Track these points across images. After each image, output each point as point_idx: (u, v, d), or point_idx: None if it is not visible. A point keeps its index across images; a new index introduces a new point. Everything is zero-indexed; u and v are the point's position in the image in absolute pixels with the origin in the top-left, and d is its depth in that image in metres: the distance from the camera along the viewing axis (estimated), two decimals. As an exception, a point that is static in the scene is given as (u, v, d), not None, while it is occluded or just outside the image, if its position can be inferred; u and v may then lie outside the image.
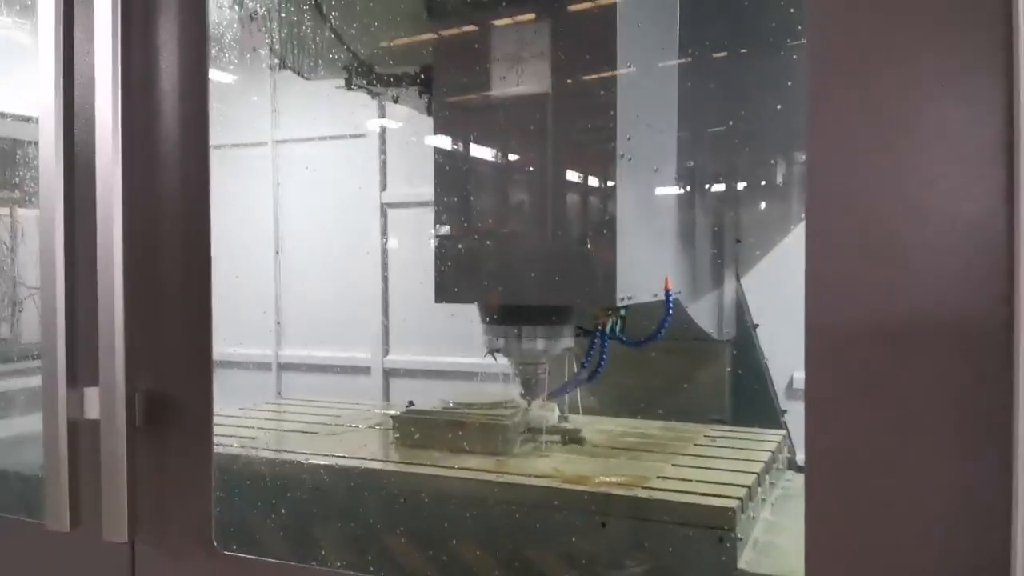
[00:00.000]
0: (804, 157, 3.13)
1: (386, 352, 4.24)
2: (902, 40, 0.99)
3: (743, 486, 2.21)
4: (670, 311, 2.61)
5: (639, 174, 2.54)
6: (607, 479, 2.25)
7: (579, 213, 2.55)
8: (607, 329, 2.57)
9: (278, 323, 4.45)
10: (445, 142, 2.63)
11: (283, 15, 2.79)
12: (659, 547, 2.05)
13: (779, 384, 3.42)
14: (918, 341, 0.99)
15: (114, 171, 1.43)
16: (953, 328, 0.97)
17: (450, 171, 2.64)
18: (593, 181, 2.53)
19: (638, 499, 2.11)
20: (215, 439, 1.45)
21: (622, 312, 2.60)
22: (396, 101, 3.15)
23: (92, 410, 1.45)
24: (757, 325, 3.42)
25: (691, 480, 2.26)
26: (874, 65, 1.00)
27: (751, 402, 3.31)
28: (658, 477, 2.28)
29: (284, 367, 4.48)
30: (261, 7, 2.73)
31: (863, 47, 1.01)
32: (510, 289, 2.57)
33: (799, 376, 3.40)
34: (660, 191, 2.80)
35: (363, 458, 2.51)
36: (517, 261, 2.56)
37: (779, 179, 3.50)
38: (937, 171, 0.98)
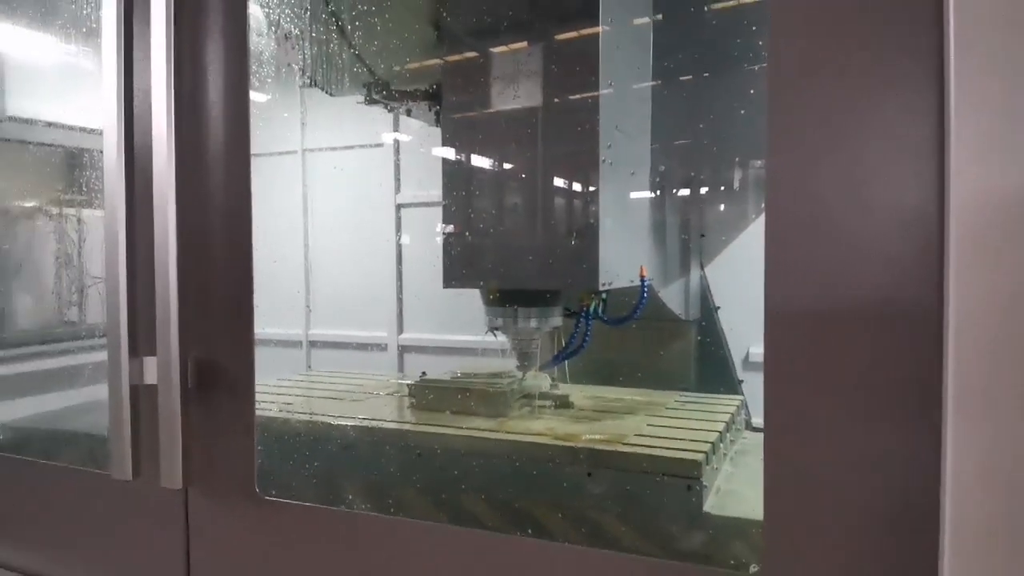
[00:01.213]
0: (758, 164, 3.13)
1: (400, 331, 4.22)
2: (847, 52, 0.98)
3: (708, 442, 2.21)
4: (644, 294, 2.61)
5: (618, 177, 2.54)
6: (592, 436, 2.25)
7: (567, 211, 2.54)
8: (591, 310, 2.57)
9: (308, 307, 4.43)
10: (452, 150, 2.62)
11: (313, 34, 2.77)
12: (637, 494, 2.05)
13: (737, 357, 3.43)
14: (860, 319, 0.99)
15: (168, 171, 1.41)
16: (890, 308, 0.97)
17: (456, 175, 2.63)
18: (579, 183, 2.53)
19: (619, 453, 2.11)
20: (258, 404, 1.45)
21: (604, 296, 2.60)
22: (409, 114, 3.13)
23: (150, 376, 1.44)
24: (718, 307, 3.42)
25: (664, 437, 2.26)
26: (824, 75, 1.00)
27: (713, 373, 3.31)
28: (636, 435, 2.28)
29: (313, 344, 4.46)
30: (294, 27, 2.71)
31: (814, 60, 1.00)
32: (508, 276, 2.57)
33: (755, 351, 3.43)
34: (636, 193, 2.80)
35: (384, 419, 2.51)
36: (514, 252, 2.56)
37: (736, 184, 3.49)
38: (878, 167, 0.97)
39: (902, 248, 0.96)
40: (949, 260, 0.91)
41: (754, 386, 3.45)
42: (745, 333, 3.50)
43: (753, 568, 1.05)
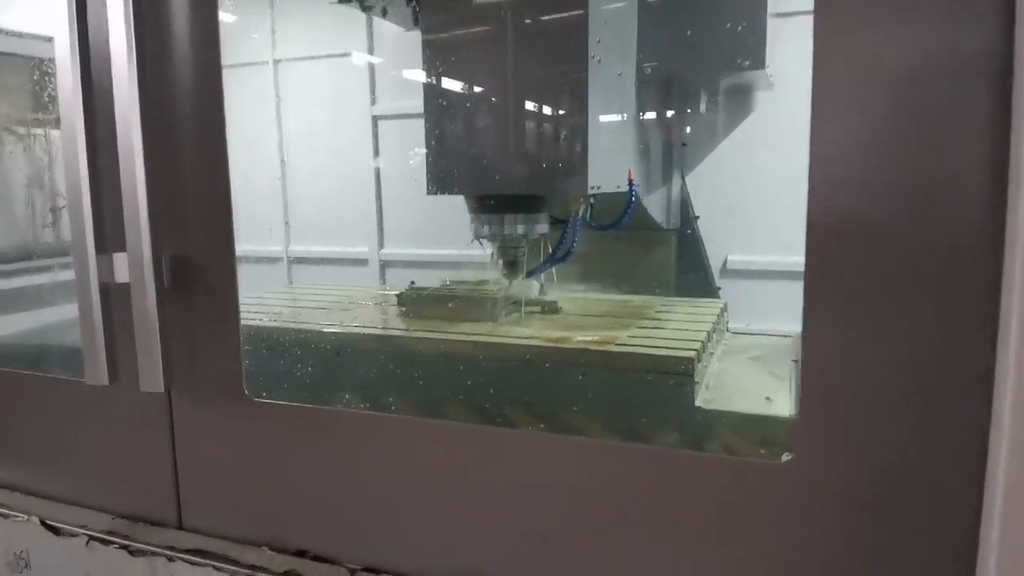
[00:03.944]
0: (739, 73, 2.89)
1: (381, 245, 4.03)
2: None
3: (698, 340, 2.11)
4: (633, 199, 2.45)
5: (607, 76, 2.33)
6: (585, 338, 2.13)
7: (555, 113, 2.33)
8: (579, 215, 2.41)
9: (286, 222, 4.19)
10: (432, 50, 2.37)
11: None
12: (632, 391, 1.96)
13: (715, 265, 3.33)
14: (901, 224, 0.86)
15: (128, 58, 1.19)
16: (935, 213, 0.84)
17: (439, 76, 2.39)
18: (567, 83, 2.30)
19: (613, 353, 2.00)
20: (243, 316, 1.28)
21: (591, 200, 2.44)
22: (384, 15, 2.84)
23: (121, 274, 1.25)
24: (698, 217, 3.29)
25: (654, 338, 2.15)
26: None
27: (692, 280, 3.22)
28: (628, 336, 2.17)
29: (293, 261, 4.25)
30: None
31: None
32: (494, 181, 2.38)
33: (733, 258, 3.32)
34: (622, 94, 2.59)
35: (375, 326, 2.36)
36: (501, 156, 2.36)
37: (717, 95, 3.30)
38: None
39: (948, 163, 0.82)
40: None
41: (729, 293, 3.38)
42: (723, 242, 3.39)
43: (785, 456, 0.94)
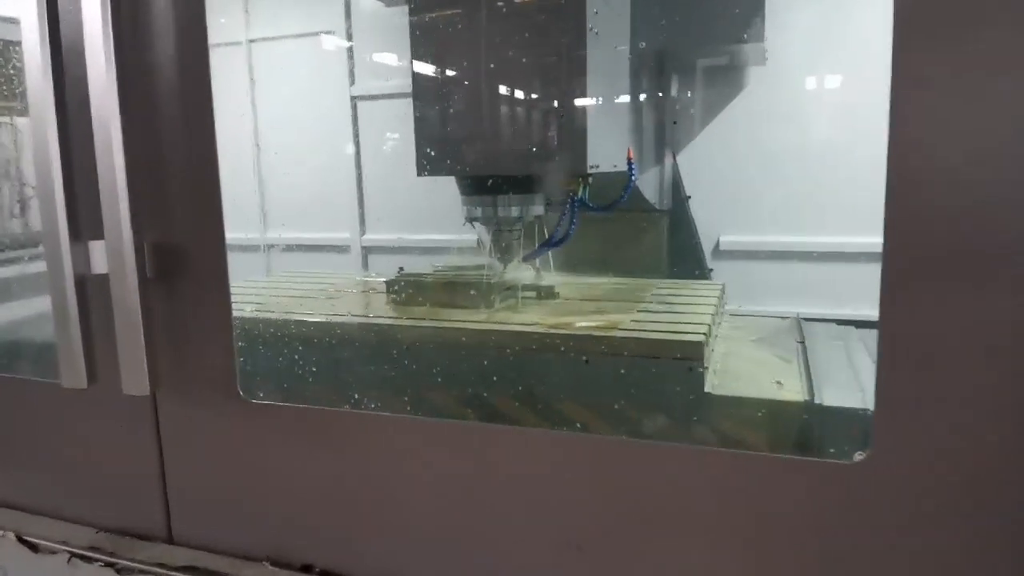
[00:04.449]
0: (733, 49, 2.79)
1: (363, 231, 3.88)
2: None
3: (703, 323, 2.03)
4: (633, 177, 2.35)
5: (604, 50, 2.22)
6: (587, 324, 2.04)
7: (552, 89, 2.21)
8: (578, 195, 2.30)
9: (263, 210, 4.02)
10: (424, 22, 2.23)
11: None
12: (638, 378, 1.87)
13: (707, 247, 3.26)
14: (987, 210, 0.77)
15: (104, 27, 1.04)
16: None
17: (428, 51, 2.26)
18: (565, 58, 2.19)
19: (619, 338, 1.91)
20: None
21: (590, 180, 2.33)
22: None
23: (99, 264, 1.12)
24: (689, 197, 3.21)
25: (658, 322, 2.07)
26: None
27: (684, 262, 3.14)
28: (631, 321, 2.08)
29: (271, 248, 4.08)
30: None
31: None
32: (488, 161, 2.26)
33: (726, 239, 3.25)
34: (617, 74, 2.48)
35: (366, 315, 2.23)
36: (494, 135, 2.25)
37: (709, 70, 3.21)
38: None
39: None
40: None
41: (721, 274, 3.32)
42: (714, 222, 3.32)
43: (858, 456, 0.85)
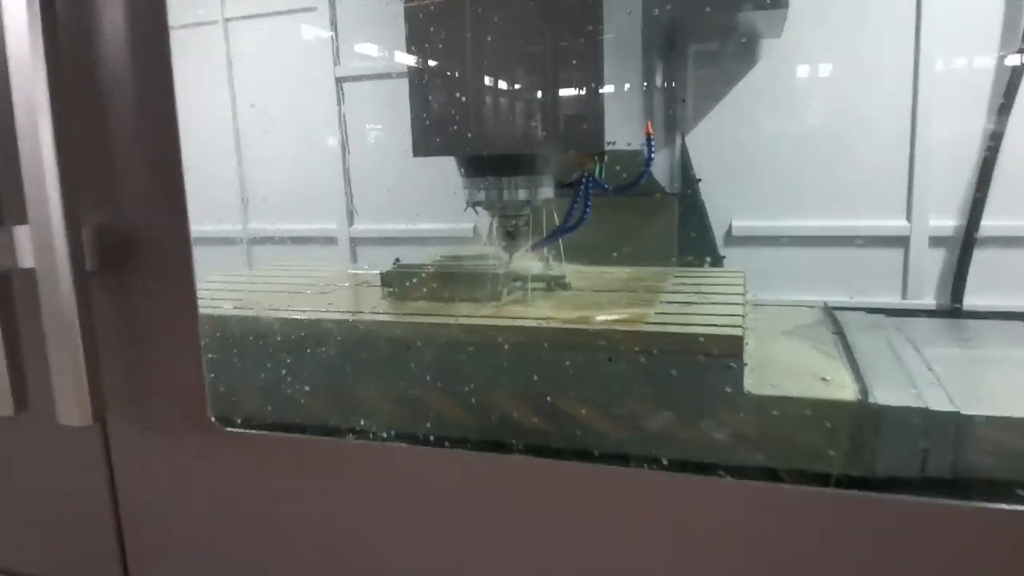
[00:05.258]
0: (745, 23, 2.51)
1: (352, 221, 3.61)
2: None
3: (737, 315, 1.81)
4: (652, 154, 2.11)
5: (619, 14, 1.98)
6: (608, 318, 1.80)
7: (563, 59, 1.96)
8: (592, 175, 2.05)
9: (244, 199, 3.73)
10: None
11: None
12: (670, 378, 1.64)
13: (719, 232, 3.04)
14: None
15: None
16: None
17: (425, 15, 1.99)
18: (577, 23, 1.93)
19: (648, 333, 1.68)
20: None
21: (606, 158, 2.09)
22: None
23: (25, 256, 0.86)
24: (700, 179, 2.98)
25: (688, 314, 1.84)
26: None
27: (696, 248, 2.92)
28: (656, 314, 1.84)
29: (252, 241, 3.79)
30: None
31: None
32: (492, 139, 2.00)
33: (739, 224, 3.03)
34: (631, 43, 2.23)
35: (362, 311, 1.97)
36: (500, 110, 1.99)
37: (719, 46, 2.97)
38: None
39: None
40: None
41: (733, 261, 3.10)
42: (725, 206, 3.10)
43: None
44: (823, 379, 1.73)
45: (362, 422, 1.71)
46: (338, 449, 0.84)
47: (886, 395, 1.63)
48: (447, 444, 0.87)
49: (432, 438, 1.57)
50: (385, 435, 1.44)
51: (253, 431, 0.83)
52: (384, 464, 0.82)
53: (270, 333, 1.83)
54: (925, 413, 1.58)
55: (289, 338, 1.78)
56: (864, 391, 1.65)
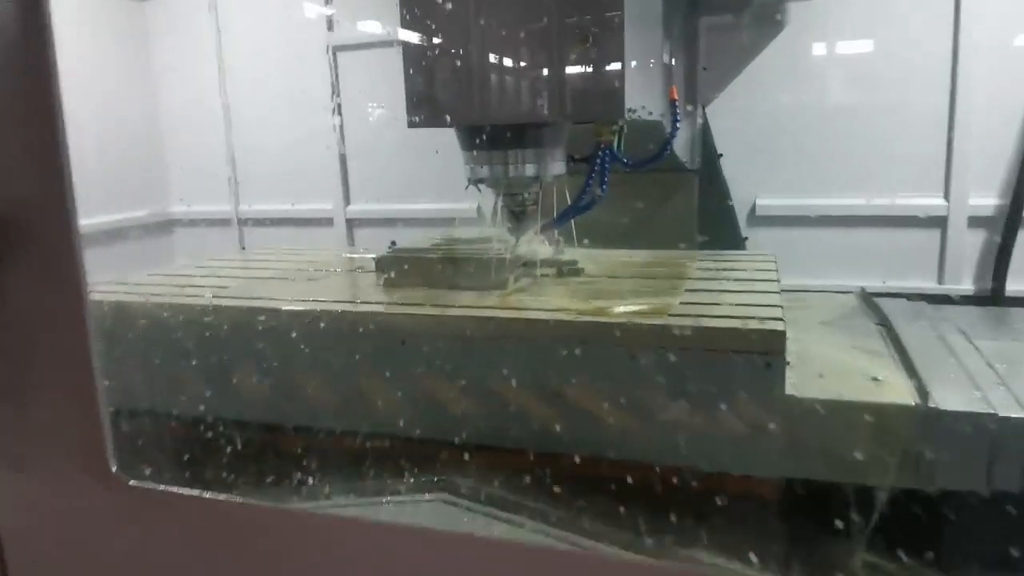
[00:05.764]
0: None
1: (348, 202, 3.37)
2: None
3: (776, 305, 1.58)
4: (677, 121, 1.87)
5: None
6: (628, 309, 1.58)
7: (579, 17, 1.71)
8: (611, 148, 1.81)
9: (235, 178, 3.49)
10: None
11: None
12: (699, 379, 1.42)
13: (741, 211, 2.80)
14: None
15: None
16: None
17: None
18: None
19: (673, 328, 1.45)
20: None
21: (625, 130, 1.85)
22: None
23: None
24: (721, 155, 2.73)
25: (718, 304, 1.61)
26: None
27: (718, 229, 2.67)
28: (681, 304, 1.62)
29: (244, 222, 3.56)
30: None
31: None
32: (497, 107, 1.77)
33: (763, 203, 2.78)
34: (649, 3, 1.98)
35: (353, 301, 1.75)
36: (505, 75, 1.75)
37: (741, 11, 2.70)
38: None
39: None
40: None
41: (756, 244, 2.86)
42: (747, 184, 2.86)
43: None
44: (874, 379, 1.50)
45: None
46: (255, 513, 0.62)
47: (948, 398, 1.40)
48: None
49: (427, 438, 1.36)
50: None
51: (162, 487, 0.61)
52: (302, 530, 0.61)
53: (248, 325, 1.61)
54: (995, 419, 1.36)
55: (270, 332, 1.57)
56: (923, 393, 1.43)
